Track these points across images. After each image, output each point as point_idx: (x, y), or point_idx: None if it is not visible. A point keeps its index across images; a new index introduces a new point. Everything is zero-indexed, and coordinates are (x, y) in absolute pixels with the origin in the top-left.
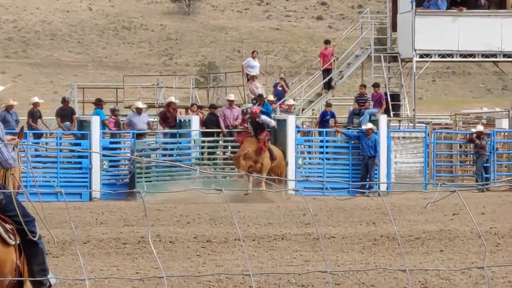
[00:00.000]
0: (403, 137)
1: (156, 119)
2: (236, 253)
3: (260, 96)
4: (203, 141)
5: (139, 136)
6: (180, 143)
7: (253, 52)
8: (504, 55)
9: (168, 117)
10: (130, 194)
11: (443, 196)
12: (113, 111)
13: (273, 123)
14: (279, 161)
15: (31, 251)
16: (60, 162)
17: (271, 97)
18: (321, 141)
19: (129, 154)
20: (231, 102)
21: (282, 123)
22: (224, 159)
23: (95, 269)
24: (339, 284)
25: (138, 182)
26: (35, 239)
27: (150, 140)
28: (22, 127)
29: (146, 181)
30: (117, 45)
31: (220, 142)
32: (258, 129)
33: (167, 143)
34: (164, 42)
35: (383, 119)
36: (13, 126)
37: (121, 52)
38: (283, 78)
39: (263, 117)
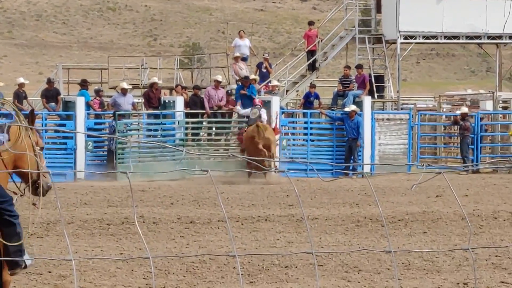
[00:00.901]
0: (387, 119)
1: (140, 100)
2: (219, 234)
3: (246, 78)
4: (187, 122)
5: (120, 116)
6: (164, 124)
7: (239, 32)
8: (488, 37)
9: (152, 97)
10: (110, 174)
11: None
12: (98, 92)
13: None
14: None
15: (8, 231)
16: (45, 142)
17: (253, 76)
18: (305, 122)
19: (108, 135)
20: (217, 83)
21: (266, 104)
22: (209, 140)
23: (79, 249)
24: (322, 266)
25: (121, 162)
26: (12, 219)
27: (133, 121)
28: (32, 110)
29: (128, 162)
30: (102, 26)
31: (204, 123)
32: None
33: (151, 124)
34: (148, 23)
35: (367, 100)
36: None
37: (106, 33)
38: (266, 59)
39: (263, 110)
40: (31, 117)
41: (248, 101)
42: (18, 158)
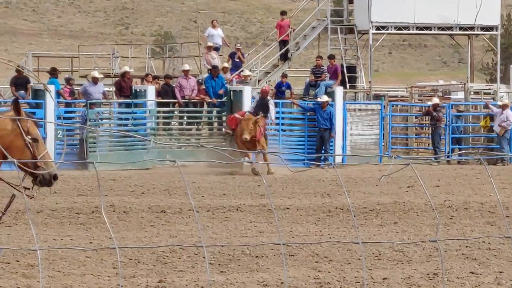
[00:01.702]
0: (359, 109)
1: (111, 89)
2: (190, 223)
3: (215, 67)
4: (158, 112)
5: (91, 105)
6: (135, 113)
7: (212, 21)
8: (460, 28)
9: (123, 87)
10: (81, 164)
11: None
12: (68, 80)
13: (273, 116)
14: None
15: None
16: None
17: (225, 64)
18: (277, 112)
19: (78, 124)
20: (186, 72)
21: (238, 94)
22: (180, 129)
23: (48, 238)
24: (293, 256)
25: (92, 151)
26: None
27: (104, 110)
28: (16, 99)
29: (99, 152)
30: (73, 14)
31: (175, 112)
32: (262, 110)
33: (122, 113)
34: (120, 12)
35: (339, 91)
36: None
37: (77, 21)
38: (239, 49)
39: (271, 102)
40: (16, 106)
41: (218, 90)
42: (6, 148)
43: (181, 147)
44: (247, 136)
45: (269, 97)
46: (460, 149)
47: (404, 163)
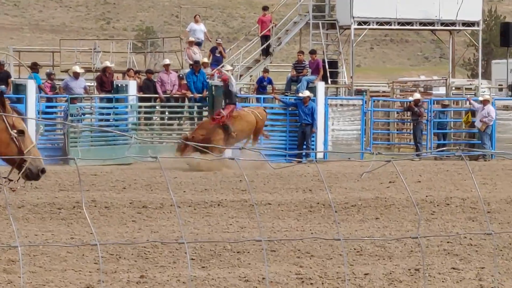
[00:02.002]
0: (341, 105)
1: (93, 84)
2: (172, 219)
3: (196, 62)
4: (140, 106)
5: (73, 100)
6: (117, 108)
7: (195, 17)
8: (442, 24)
9: (105, 81)
10: (62, 158)
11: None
12: (49, 75)
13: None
14: (252, 122)
15: None
16: None
17: (206, 59)
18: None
19: (61, 119)
20: (167, 67)
21: (219, 89)
22: (161, 124)
23: (29, 234)
24: (274, 251)
25: (73, 146)
26: None
27: (86, 105)
28: (1, 93)
29: (80, 147)
30: (54, 9)
31: (157, 107)
32: (227, 98)
33: (103, 108)
34: (101, 6)
35: (320, 86)
36: None
37: (58, 15)
38: (220, 44)
39: (234, 85)
40: (1, 99)
41: (200, 85)
42: None
43: (163, 142)
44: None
45: (230, 84)
46: (444, 145)
47: (386, 159)
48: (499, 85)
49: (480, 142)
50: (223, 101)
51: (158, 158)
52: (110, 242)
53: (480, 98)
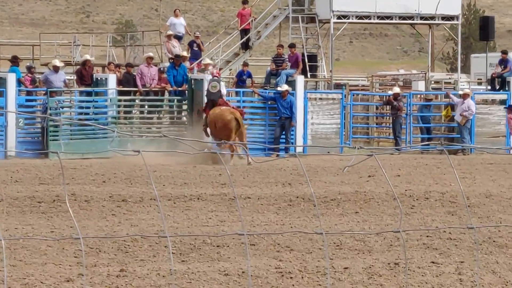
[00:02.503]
0: (320, 98)
1: (73, 77)
2: (151, 212)
3: (177, 56)
4: (120, 100)
5: (53, 93)
6: (96, 101)
7: (175, 11)
8: (421, 18)
9: (84, 75)
10: (43, 148)
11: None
12: (30, 69)
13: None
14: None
15: None
16: None
17: (184, 53)
18: (238, 101)
19: (39, 113)
20: (150, 60)
21: (199, 82)
22: (141, 118)
23: (9, 227)
24: (254, 245)
25: (53, 140)
26: None
27: (65, 98)
28: None
29: (60, 140)
30: (34, 2)
31: (136, 101)
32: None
33: (83, 101)
34: (81, 0)
35: (300, 80)
36: None
37: (38, 9)
38: (198, 37)
39: (223, 86)
40: None
41: (180, 79)
42: None
43: (142, 136)
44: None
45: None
46: (430, 139)
47: (368, 154)
48: (478, 79)
49: (459, 136)
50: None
51: (140, 153)
52: (93, 236)
53: (460, 92)
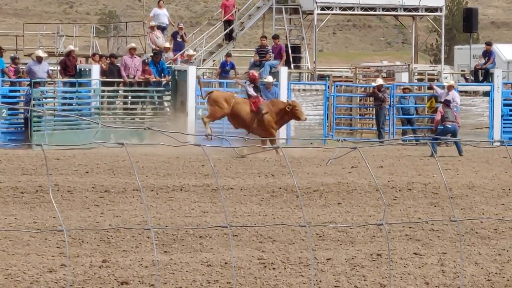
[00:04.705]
0: (303, 90)
1: (56, 68)
2: (134, 203)
3: (157, 54)
4: (103, 91)
5: (36, 84)
6: (80, 92)
7: (158, 2)
8: (405, 9)
9: (68, 65)
10: (25, 142)
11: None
12: (13, 59)
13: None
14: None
15: None
16: None
17: (167, 44)
18: None
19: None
20: (133, 51)
21: (182, 73)
22: (124, 109)
23: None
24: (237, 236)
25: (37, 131)
26: None
27: (49, 89)
28: None
29: (43, 131)
30: None
31: (120, 92)
32: (258, 92)
33: (66, 92)
34: None
35: (283, 71)
36: None
37: None
38: (181, 28)
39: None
40: None
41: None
42: None
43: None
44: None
45: (244, 81)
46: (413, 131)
47: (351, 146)
48: (461, 70)
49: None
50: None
51: (124, 145)
52: (76, 229)
53: (445, 84)
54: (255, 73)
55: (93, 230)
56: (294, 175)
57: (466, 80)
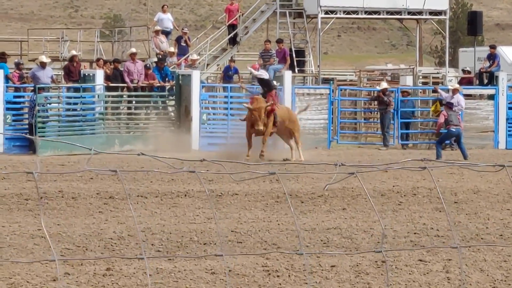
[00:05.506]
0: (308, 94)
1: (60, 73)
2: (138, 209)
3: (161, 60)
4: (107, 96)
5: (40, 89)
6: (84, 97)
7: (163, 7)
8: (409, 13)
9: (72, 71)
10: (31, 148)
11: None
12: (18, 65)
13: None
14: (290, 118)
15: None
16: None
17: (171, 49)
18: (226, 96)
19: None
20: (133, 56)
21: (186, 78)
22: (128, 114)
23: None
24: (241, 243)
25: (41, 136)
26: None
27: (53, 94)
28: None
29: (48, 136)
30: None
31: (124, 97)
32: (265, 87)
33: (70, 97)
34: None
35: (287, 75)
36: None
37: (27, 3)
38: (185, 33)
39: (263, 72)
40: None
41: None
42: None
43: (130, 131)
44: (261, 127)
45: (256, 72)
46: (408, 135)
47: (349, 172)
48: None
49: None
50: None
51: (118, 172)
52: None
53: (450, 87)
54: (256, 64)
55: (97, 238)
56: (298, 180)
57: (464, 72)
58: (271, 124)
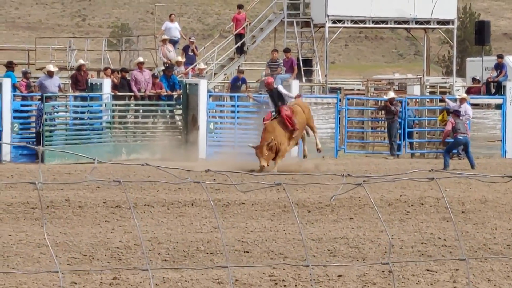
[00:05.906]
0: (315, 103)
1: (68, 82)
2: (145, 218)
3: (168, 68)
4: (114, 105)
5: (48, 98)
6: (91, 106)
7: (170, 16)
8: (417, 22)
9: (80, 80)
10: (38, 156)
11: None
12: (25, 74)
13: (291, 96)
14: (308, 115)
15: None
16: None
17: (179, 58)
18: (233, 106)
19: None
20: (140, 65)
21: (194, 87)
22: (135, 123)
23: (3, 234)
24: (248, 252)
25: (48, 145)
26: None
27: (60, 103)
28: None
29: (55, 145)
30: (30, 6)
31: (131, 105)
32: (279, 100)
33: (78, 106)
34: (77, 3)
35: (295, 84)
36: None
37: (34, 12)
38: (193, 42)
39: (280, 87)
40: None
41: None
42: None
43: (137, 140)
44: (264, 164)
45: (274, 85)
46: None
47: (357, 182)
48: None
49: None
50: (274, 104)
51: (121, 182)
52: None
53: (457, 96)
54: (269, 78)
55: (104, 247)
56: (305, 190)
57: (474, 81)
58: (291, 142)
